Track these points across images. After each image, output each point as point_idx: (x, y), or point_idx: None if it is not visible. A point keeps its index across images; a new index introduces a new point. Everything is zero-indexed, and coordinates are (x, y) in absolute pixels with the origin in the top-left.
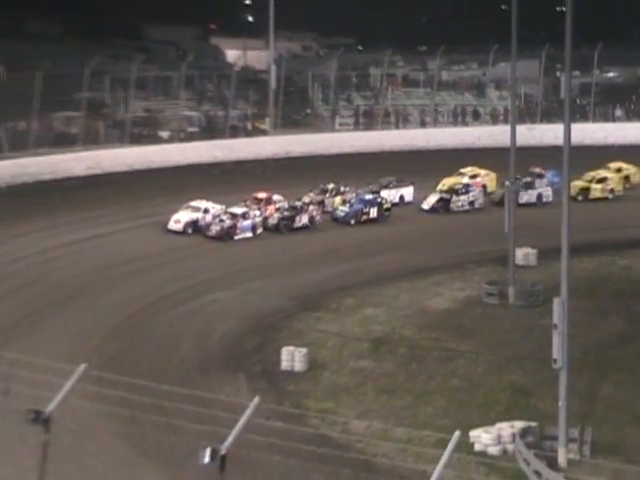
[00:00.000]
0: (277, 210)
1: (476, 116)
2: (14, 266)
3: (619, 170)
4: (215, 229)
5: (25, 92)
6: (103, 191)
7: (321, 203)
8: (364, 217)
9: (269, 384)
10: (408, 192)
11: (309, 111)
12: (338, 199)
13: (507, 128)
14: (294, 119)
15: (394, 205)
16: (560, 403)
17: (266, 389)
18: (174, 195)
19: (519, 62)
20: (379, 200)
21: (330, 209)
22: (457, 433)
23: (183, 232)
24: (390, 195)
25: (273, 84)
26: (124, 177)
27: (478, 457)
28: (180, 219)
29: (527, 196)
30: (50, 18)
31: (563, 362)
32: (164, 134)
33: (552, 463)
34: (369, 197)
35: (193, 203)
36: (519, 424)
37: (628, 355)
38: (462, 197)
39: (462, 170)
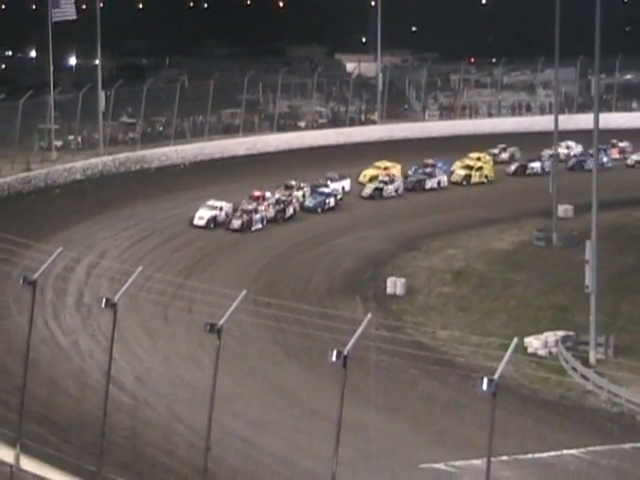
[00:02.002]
0: (270, 205)
1: (528, 109)
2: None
3: (479, 159)
4: (237, 223)
5: (201, 95)
6: (258, 166)
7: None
8: (326, 206)
9: (378, 304)
10: (347, 184)
11: (406, 106)
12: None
13: (551, 117)
14: (395, 112)
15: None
16: (591, 317)
17: (375, 308)
18: (309, 168)
19: (560, 69)
20: (334, 193)
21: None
22: (515, 339)
23: (206, 226)
24: (336, 186)
25: (380, 87)
26: (273, 156)
27: (530, 357)
28: (203, 216)
29: (430, 183)
30: (219, 42)
31: (593, 287)
32: (302, 124)
33: (585, 361)
34: (327, 190)
35: (209, 202)
36: (561, 333)
37: None
38: (391, 186)
39: (376, 163)
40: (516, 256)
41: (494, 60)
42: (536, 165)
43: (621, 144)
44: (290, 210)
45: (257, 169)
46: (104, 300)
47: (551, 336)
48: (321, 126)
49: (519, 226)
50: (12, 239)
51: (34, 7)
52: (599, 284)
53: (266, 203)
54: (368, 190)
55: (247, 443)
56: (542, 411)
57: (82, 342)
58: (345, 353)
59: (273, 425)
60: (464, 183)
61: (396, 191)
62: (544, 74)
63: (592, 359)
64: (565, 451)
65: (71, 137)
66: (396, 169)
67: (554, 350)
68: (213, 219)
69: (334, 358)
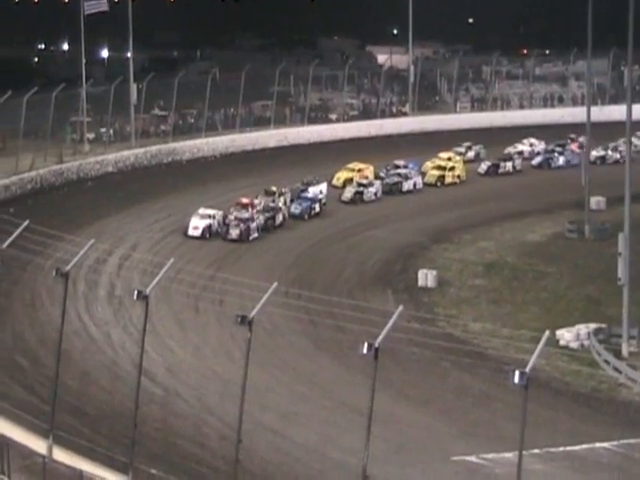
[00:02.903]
0: (259, 212)
1: (560, 100)
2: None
3: (449, 159)
4: (235, 232)
5: (233, 87)
6: (289, 158)
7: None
8: (312, 212)
9: (409, 296)
10: (324, 187)
11: (437, 98)
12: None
13: (583, 109)
14: (426, 104)
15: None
16: (623, 310)
17: (407, 300)
18: (340, 160)
19: (593, 60)
20: (319, 197)
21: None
22: (547, 332)
23: (202, 237)
24: (315, 191)
25: (411, 79)
26: (304, 148)
27: (562, 350)
28: (197, 226)
29: (407, 185)
30: (250, 34)
31: (626, 279)
32: (333, 116)
33: (617, 354)
34: (311, 195)
35: (201, 211)
36: (593, 325)
37: None
38: (371, 189)
39: (349, 165)
40: (548, 248)
41: (524, 51)
42: (508, 164)
43: (581, 139)
44: (279, 217)
45: (288, 161)
46: (136, 292)
47: (583, 329)
48: (352, 118)
49: (551, 218)
50: (45, 231)
51: (66, 0)
52: (632, 276)
53: (254, 210)
54: (348, 194)
55: (278, 435)
56: (574, 404)
57: (114, 334)
58: (376, 345)
59: (304, 417)
60: (438, 184)
61: (375, 194)
62: (576, 65)
63: (625, 351)
64: (597, 444)
65: (103, 130)
66: (369, 170)
67: (586, 343)
68: (208, 228)
69: (365, 350)
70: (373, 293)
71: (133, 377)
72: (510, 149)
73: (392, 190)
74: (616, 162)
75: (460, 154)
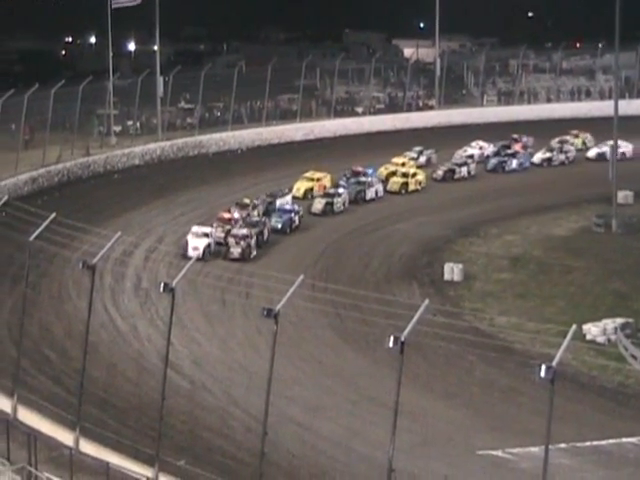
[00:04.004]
0: (248, 227)
1: (588, 94)
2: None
3: (403, 164)
4: (237, 251)
5: (259, 80)
6: (315, 151)
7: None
8: (293, 225)
9: (435, 290)
10: (290, 198)
11: (464, 92)
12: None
13: (611, 103)
14: (453, 97)
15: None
16: None
17: (433, 294)
18: (367, 153)
19: (621, 53)
20: (297, 209)
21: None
22: (573, 326)
23: (203, 258)
24: (283, 201)
25: (438, 72)
26: (330, 141)
27: (589, 344)
28: (197, 246)
29: (370, 193)
30: (277, 28)
31: None
32: (359, 110)
33: None
34: (288, 207)
35: (195, 229)
36: (620, 320)
37: None
38: (339, 199)
39: (306, 174)
40: (575, 242)
41: (550, 44)
42: (463, 169)
43: (524, 139)
44: (265, 233)
45: (314, 155)
46: (162, 285)
47: (610, 323)
48: (378, 112)
49: (578, 212)
50: (72, 224)
51: None
52: None
53: (239, 225)
54: (319, 205)
55: (304, 428)
56: (601, 399)
57: (140, 326)
58: (402, 339)
59: (330, 410)
60: (402, 192)
61: (343, 204)
62: (604, 59)
63: None
64: (624, 439)
65: (130, 122)
66: (327, 179)
67: (613, 337)
68: (208, 247)
69: (391, 344)
70: (398, 287)
71: (159, 369)
72: (460, 152)
73: (357, 199)
74: (562, 164)
75: (413, 159)
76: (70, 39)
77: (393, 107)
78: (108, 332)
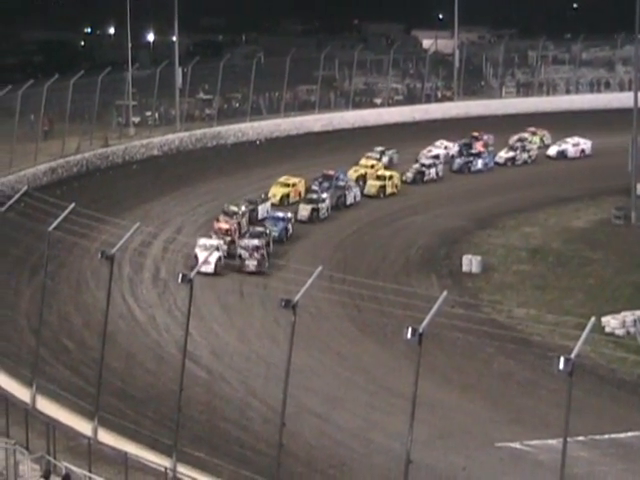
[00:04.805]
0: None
1: (607, 86)
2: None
3: (372, 167)
4: (252, 264)
5: (278, 72)
6: (334, 143)
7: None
8: (288, 233)
9: (453, 282)
10: (269, 205)
11: (483, 83)
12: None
13: (630, 94)
14: (472, 89)
15: None
16: None
17: (451, 286)
18: (385, 144)
19: None
20: (290, 217)
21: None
22: (592, 319)
23: (215, 272)
24: (264, 208)
25: (456, 64)
26: (349, 132)
27: (607, 337)
28: (210, 261)
29: (350, 198)
30: (295, 19)
31: None
32: (377, 101)
33: None
34: (281, 215)
35: (202, 242)
36: (639, 312)
37: None
38: (323, 205)
39: (280, 180)
40: (594, 234)
41: (570, 35)
42: (432, 171)
43: (485, 137)
44: (271, 243)
45: (333, 146)
46: (180, 275)
47: (629, 315)
48: (397, 103)
49: (597, 204)
50: (90, 214)
51: None
52: None
53: (236, 235)
54: (305, 212)
55: (322, 419)
56: (619, 391)
57: (159, 317)
58: (420, 331)
59: (348, 401)
60: (381, 195)
61: (327, 210)
62: (624, 50)
63: None
64: None
65: (148, 113)
66: (301, 184)
67: (632, 330)
68: (219, 261)
69: (409, 335)
70: (416, 278)
71: (177, 360)
72: (424, 152)
73: (338, 204)
74: (524, 163)
75: (376, 159)
76: (89, 30)
77: (411, 98)
78: (126, 322)
